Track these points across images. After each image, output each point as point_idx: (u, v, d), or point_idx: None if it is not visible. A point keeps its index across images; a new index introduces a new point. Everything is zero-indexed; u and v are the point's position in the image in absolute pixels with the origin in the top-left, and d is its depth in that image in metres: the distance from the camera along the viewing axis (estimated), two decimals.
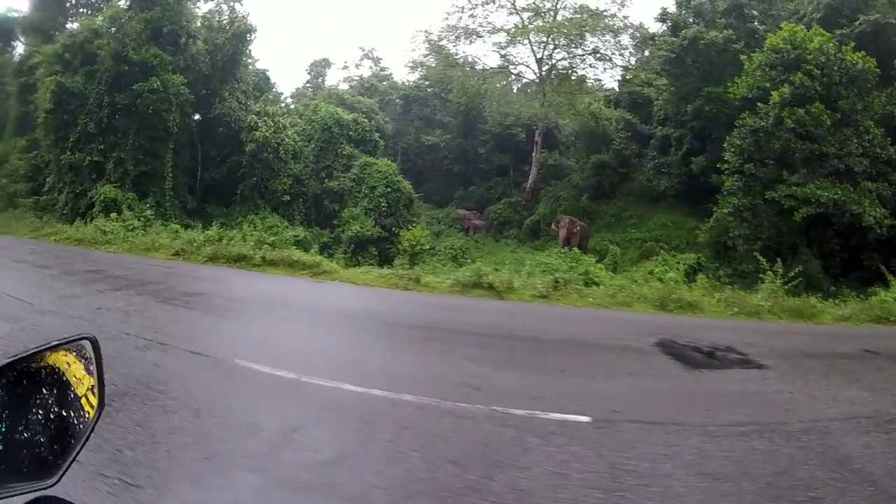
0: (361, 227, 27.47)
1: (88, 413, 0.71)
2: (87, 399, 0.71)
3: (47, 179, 28.51)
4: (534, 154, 39.44)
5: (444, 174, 42.79)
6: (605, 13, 37.29)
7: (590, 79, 41.96)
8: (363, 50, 74.36)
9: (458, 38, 39.10)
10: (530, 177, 39.50)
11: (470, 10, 38.24)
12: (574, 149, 43.29)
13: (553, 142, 42.30)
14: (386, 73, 50.34)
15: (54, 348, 0.77)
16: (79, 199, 26.63)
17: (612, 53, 38.57)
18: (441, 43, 40.13)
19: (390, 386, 6.47)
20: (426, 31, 39.24)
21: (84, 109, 27.25)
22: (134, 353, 7.14)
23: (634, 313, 14.15)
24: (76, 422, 0.69)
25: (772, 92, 22.77)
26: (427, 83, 44.86)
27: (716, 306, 14.82)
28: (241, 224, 26.88)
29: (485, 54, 65.37)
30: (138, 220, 23.60)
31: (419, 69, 49.80)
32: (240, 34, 29.99)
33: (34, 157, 31.07)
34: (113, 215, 23.34)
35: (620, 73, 41.30)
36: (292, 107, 34.16)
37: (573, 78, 40.69)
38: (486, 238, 36.04)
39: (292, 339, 9.24)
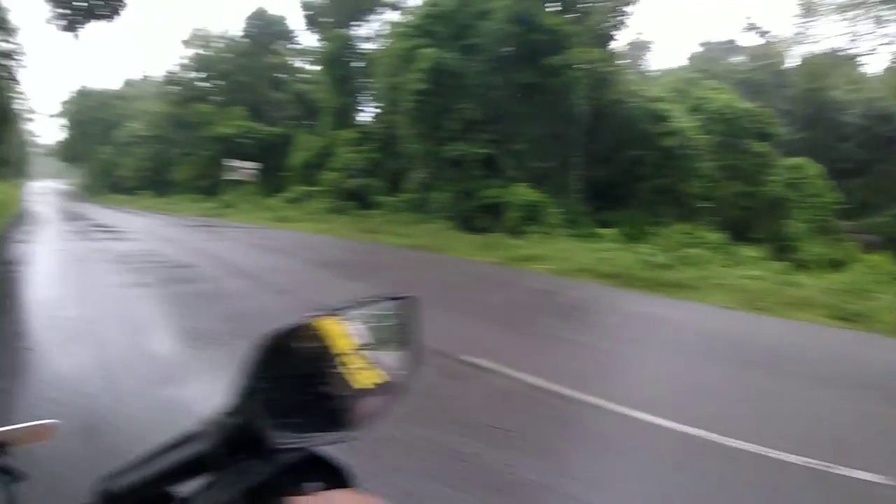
0: (829, 251, 20.56)
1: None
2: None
3: (412, 175, 23.60)
4: None
5: None
6: None
7: None
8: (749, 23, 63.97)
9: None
10: None
11: None
12: None
13: None
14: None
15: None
16: (463, 201, 21.43)
17: None
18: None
19: None
20: None
21: (463, 91, 22.09)
22: None
23: None
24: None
25: None
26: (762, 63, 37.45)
27: None
28: (657, 237, 20.56)
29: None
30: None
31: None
32: None
33: (370, 150, 26.70)
34: (602, 230, 17.58)
35: None
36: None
37: None
38: None
39: None
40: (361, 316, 0.65)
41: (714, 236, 20.10)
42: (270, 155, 33.30)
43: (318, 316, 0.60)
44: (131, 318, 7.12)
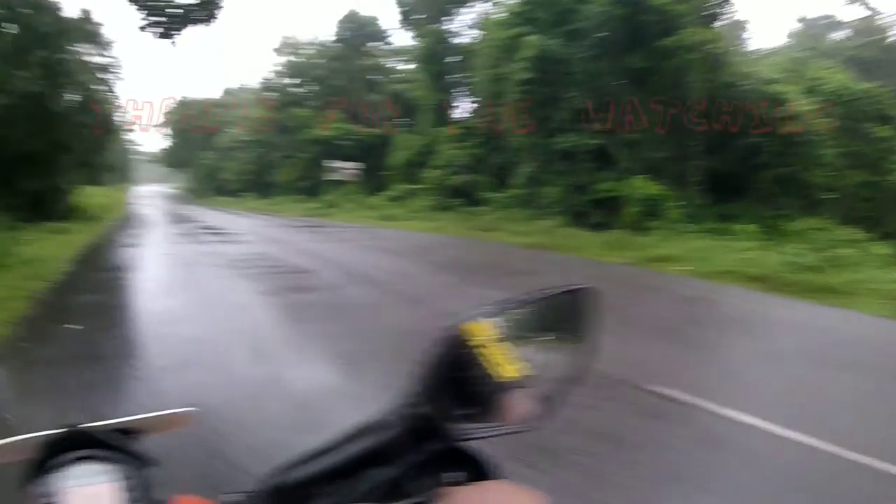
0: None
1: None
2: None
3: (519, 169, 23.15)
4: None
5: None
6: None
7: None
8: None
9: None
10: None
11: None
12: None
13: None
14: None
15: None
16: (574, 196, 20.72)
17: None
18: None
19: None
20: None
21: (570, 79, 21.42)
22: None
23: None
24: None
25: None
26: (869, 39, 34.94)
27: None
28: (799, 235, 19.07)
29: None
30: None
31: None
32: None
33: (472, 146, 26.40)
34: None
35: None
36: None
37: None
38: None
39: None
40: (528, 310, 0.64)
41: (859, 234, 18.72)
42: (370, 155, 33.69)
43: (484, 312, 0.59)
44: (253, 335, 6.51)
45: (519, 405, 0.60)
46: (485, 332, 0.58)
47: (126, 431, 0.66)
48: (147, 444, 0.65)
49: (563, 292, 0.67)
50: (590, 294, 0.67)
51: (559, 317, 0.67)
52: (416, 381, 0.57)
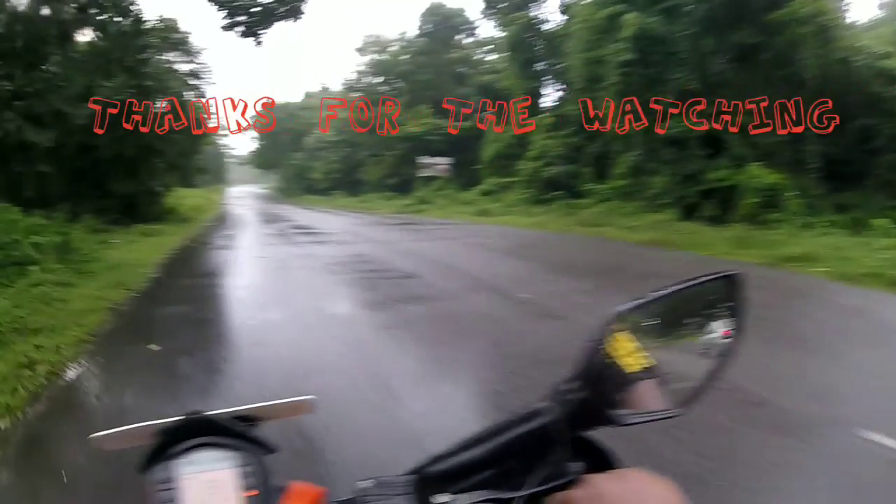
0: None
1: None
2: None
3: (621, 159, 21.57)
4: None
5: None
6: None
7: None
8: None
9: None
10: None
11: None
12: None
13: None
14: None
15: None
16: (682, 186, 18.96)
17: None
18: None
19: None
20: None
21: (673, 59, 19.69)
22: None
23: None
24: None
25: None
26: None
27: None
28: None
29: None
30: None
31: None
32: None
33: (566, 135, 25.06)
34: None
35: None
36: None
37: None
38: None
39: None
40: (672, 301, 0.63)
41: None
42: (460, 149, 32.95)
43: (625, 307, 0.60)
44: (366, 364, 5.26)
45: (657, 395, 0.61)
46: (622, 326, 0.59)
47: (245, 419, 0.66)
48: (266, 432, 0.64)
49: (712, 279, 0.65)
50: (739, 280, 0.65)
51: (706, 304, 0.65)
52: (574, 370, 0.58)
